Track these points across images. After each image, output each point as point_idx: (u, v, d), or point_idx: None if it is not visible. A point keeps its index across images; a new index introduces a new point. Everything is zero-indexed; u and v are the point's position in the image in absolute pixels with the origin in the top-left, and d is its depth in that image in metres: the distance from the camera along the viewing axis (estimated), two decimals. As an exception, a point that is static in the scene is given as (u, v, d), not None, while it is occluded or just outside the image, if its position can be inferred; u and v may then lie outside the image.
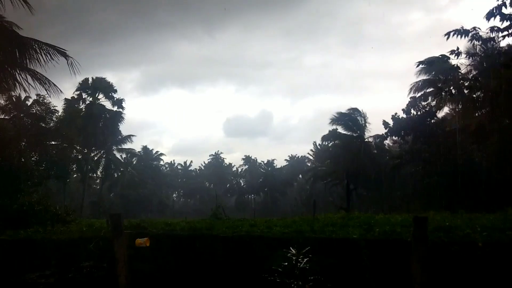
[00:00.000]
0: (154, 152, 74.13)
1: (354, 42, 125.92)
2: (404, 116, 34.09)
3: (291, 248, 5.76)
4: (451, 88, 32.96)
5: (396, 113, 35.22)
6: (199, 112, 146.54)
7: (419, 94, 34.09)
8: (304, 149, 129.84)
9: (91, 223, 13.39)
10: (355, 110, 41.44)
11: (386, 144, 41.70)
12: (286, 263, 5.40)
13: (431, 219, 8.41)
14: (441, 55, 31.26)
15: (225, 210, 22.07)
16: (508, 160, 26.17)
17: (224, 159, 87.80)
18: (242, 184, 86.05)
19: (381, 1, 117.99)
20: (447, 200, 24.74)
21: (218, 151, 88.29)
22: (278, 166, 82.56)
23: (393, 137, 36.47)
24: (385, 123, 35.15)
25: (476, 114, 30.38)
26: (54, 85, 14.11)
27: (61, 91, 14.33)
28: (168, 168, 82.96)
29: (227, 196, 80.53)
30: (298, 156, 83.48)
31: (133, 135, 50.24)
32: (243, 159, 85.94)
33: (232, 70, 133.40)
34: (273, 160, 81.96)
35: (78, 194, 45.22)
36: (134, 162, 64.93)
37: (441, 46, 33.83)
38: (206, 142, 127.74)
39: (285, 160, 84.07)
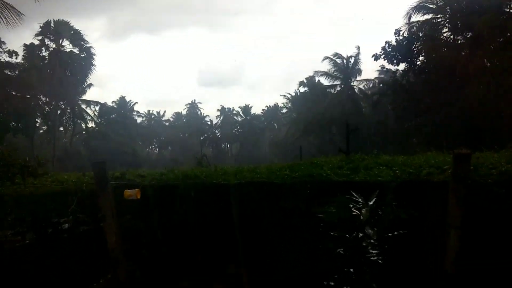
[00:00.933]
0: (128, 102, 70.73)
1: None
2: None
3: (352, 192, 4.69)
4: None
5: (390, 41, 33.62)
6: (170, 62, 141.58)
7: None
8: (279, 99, 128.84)
9: (65, 177, 12.07)
10: (336, 55, 40.15)
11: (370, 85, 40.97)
12: (343, 213, 4.34)
13: (443, 159, 7.72)
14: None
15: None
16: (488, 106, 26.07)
17: (201, 109, 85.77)
18: (218, 134, 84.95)
19: None
20: (443, 141, 24.50)
21: (194, 100, 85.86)
22: (254, 114, 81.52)
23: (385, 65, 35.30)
24: (376, 55, 33.97)
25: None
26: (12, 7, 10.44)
27: (21, 14, 10.57)
28: (144, 119, 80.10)
29: (205, 147, 79.59)
30: (272, 105, 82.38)
31: (91, 84, 46.63)
32: (218, 110, 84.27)
33: (202, 16, 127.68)
34: (250, 106, 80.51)
35: (47, 148, 42.83)
36: (105, 114, 62.13)
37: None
38: (178, 92, 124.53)
39: (262, 110, 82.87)
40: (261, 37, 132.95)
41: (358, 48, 40.41)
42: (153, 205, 7.48)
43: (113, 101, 66.15)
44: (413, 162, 8.29)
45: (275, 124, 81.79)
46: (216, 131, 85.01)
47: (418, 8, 33.93)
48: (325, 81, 42.88)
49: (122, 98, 68.87)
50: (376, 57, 35.44)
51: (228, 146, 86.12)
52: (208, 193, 7.30)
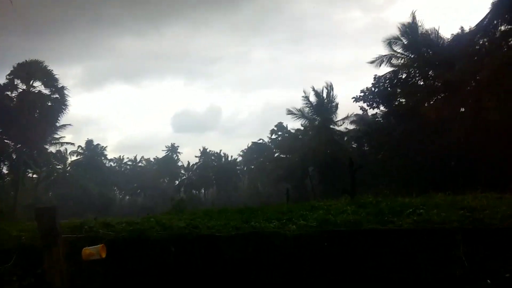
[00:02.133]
0: (98, 146, 67.79)
1: (299, 38, 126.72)
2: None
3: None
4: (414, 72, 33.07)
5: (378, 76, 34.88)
6: (146, 108, 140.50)
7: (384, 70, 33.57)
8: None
9: (23, 227, 9.88)
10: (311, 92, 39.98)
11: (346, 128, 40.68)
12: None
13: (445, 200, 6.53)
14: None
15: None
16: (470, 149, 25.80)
17: (179, 153, 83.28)
18: (194, 178, 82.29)
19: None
20: (426, 183, 23.54)
21: (172, 144, 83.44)
22: (230, 159, 79.93)
23: (366, 107, 35.44)
24: (357, 97, 34.28)
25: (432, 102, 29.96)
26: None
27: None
28: (115, 164, 76.75)
29: (179, 192, 76.52)
30: (247, 149, 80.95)
31: (68, 124, 43.87)
32: (199, 151, 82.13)
33: (179, 65, 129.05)
34: (222, 154, 79.06)
35: (10, 195, 39.24)
36: (75, 158, 58.94)
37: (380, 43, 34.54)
38: (153, 138, 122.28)
39: (238, 155, 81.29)
40: (237, 84, 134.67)
41: (330, 85, 40.48)
42: (123, 264, 5.66)
43: (79, 146, 62.76)
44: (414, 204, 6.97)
45: (252, 167, 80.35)
46: (191, 175, 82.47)
47: (389, 58, 34.57)
48: (296, 123, 42.50)
49: (89, 142, 65.68)
50: (356, 99, 35.78)
51: (203, 191, 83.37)
52: (196, 248, 5.58)
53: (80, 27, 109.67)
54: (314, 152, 37.48)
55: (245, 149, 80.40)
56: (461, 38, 28.30)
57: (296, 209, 9.97)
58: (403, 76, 33.75)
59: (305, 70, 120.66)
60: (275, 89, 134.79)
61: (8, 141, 37.09)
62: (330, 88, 40.96)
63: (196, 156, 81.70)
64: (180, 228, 6.55)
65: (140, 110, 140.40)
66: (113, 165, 76.50)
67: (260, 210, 10.74)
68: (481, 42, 24.84)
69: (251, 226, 6.32)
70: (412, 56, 33.32)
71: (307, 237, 5.50)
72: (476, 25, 25.86)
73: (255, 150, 76.45)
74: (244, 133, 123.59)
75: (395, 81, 34.18)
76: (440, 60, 28.98)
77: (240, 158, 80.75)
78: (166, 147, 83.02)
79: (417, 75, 32.40)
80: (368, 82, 35.89)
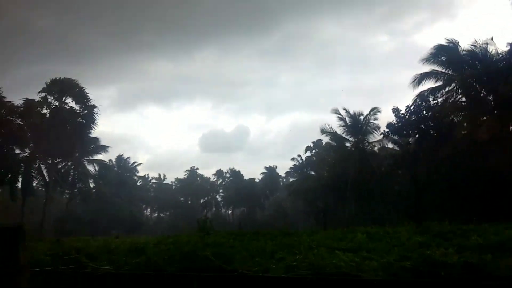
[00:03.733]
0: (130, 162, 67.08)
1: (327, 63, 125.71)
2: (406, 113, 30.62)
3: None
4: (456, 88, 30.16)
5: (397, 108, 31.52)
6: (175, 128, 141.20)
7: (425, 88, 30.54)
8: (281, 164, 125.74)
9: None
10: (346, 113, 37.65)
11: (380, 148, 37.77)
12: None
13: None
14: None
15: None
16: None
17: (201, 175, 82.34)
18: (219, 199, 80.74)
19: (350, 25, 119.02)
20: (473, 209, 20.70)
21: (194, 166, 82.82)
22: (256, 180, 77.82)
23: (394, 137, 32.51)
24: (389, 125, 31.43)
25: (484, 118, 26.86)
26: None
27: None
28: (142, 182, 76.18)
29: (204, 211, 74.85)
30: (274, 168, 78.51)
31: (107, 146, 43.96)
32: (214, 174, 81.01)
33: (209, 88, 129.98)
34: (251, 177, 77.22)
35: (41, 212, 38.53)
36: (106, 175, 58.43)
37: (408, 66, 31.89)
38: (181, 157, 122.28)
39: (261, 173, 78.90)
40: (264, 107, 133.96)
41: (372, 109, 37.75)
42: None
43: (113, 161, 62.25)
44: None
45: (277, 191, 77.85)
46: (217, 195, 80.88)
47: (426, 75, 31.83)
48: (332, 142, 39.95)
49: (123, 159, 65.13)
50: (384, 135, 33.22)
51: (229, 210, 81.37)
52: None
53: (116, 51, 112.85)
54: (345, 175, 34.94)
55: (273, 165, 78.29)
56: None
57: (350, 237, 7.91)
58: (441, 95, 30.68)
59: (332, 94, 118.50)
60: (302, 113, 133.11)
61: (38, 157, 36.61)
62: (373, 112, 38.22)
63: (214, 174, 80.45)
64: (205, 259, 4.73)
65: (169, 130, 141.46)
66: (139, 183, 75.79)
67: (296, 236, 8.72)
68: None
69: (309, 264, 4.37)
70: (451, 73, 30.54)
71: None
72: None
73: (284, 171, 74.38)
74: (271, 154, 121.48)
75: (429, 103, 31.26)
76: (490, 74, 26.19)
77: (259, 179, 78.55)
78: (190, 168, 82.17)
79: (460, 92, 29.48)
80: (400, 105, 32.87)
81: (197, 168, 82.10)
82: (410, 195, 29.12)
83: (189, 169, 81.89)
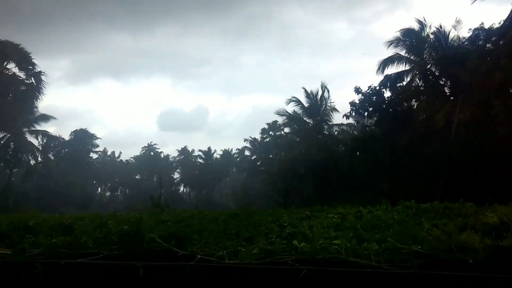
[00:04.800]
0: (87, 135, 62.28)
1: (288, 46, 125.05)
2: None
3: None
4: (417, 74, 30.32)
5: (359, 87, 31.14)
6: (132, 105, 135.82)
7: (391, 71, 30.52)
8: (240, 145, 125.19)
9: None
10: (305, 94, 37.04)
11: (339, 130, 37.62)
12: None
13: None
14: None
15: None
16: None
17: (158, 151, 79.31)
18: (175, 178, 78.55)
19: (312, 10, 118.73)
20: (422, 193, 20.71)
21: (151, 142, 79.57)
22: (214, 158, 76.20)
23: (357, 117, 32.25)
24: (352, 103, 31.05)
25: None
26: None
27: None
28: (97, 158, 71.62)
29: (161, 190, 72.39)
30: (232, 149, 77.27)
31: (51, 116, 40.08)
32: (178, 150, 78.60)
33: (168, 65, 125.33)
34: (211, 151, 75.23)
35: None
36: (55, 148, 54.55)
37: (366, 54, 31.93)
38: (138, 135, 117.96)
39: (218, 154, 77.43)
40: (224, 87, 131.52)
41: (324, 87, 37.41)
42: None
43: (71, 133, 57.75)
44: None
45: (234, 169, 76.86)
46: (174, 174, 78.62)
47: (390, 60, 31.80)
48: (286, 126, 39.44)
49: (79, 132, 60.58)
50: (347, 116, 32.91)
51: (186, 189, 79.56)
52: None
53: (71, 20, 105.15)
54: (304, 156, 34.54)
55: (229, 148, 76.97)
56: (476, 38, 25.73)
57: (322, 216, 6.87)
58: (405, 80, 30.89)
59: (293, 77, 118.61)
60: (263, 94, 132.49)
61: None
62: (324, 89, 38.05)
63: (177, 150, 78.16)
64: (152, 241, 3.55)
65: (126, 106, 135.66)
66: (95, 157, 71.25)
67: (260, 215, 7.61)
68: (500, 43, 22.14)
69: (290, 247, 3.28)
70: (415, 59, 30.69)
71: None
72: (498, 27, 23.22)
73: (241, 151, 73.23)
74: (231, 135, 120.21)
75: (393, 86, 31.46)
76: (449, 60, 26.33)
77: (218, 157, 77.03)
78: (148, 144, 79.04)
79: (420, 78, 29.67)
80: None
81: (155, 144, 78.87)
82: (370, 177, 29.16)
83: (147, 145, 78.70)
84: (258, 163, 55.57)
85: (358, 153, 31.45)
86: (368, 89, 30.93)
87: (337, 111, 36.37)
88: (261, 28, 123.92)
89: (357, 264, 2.94)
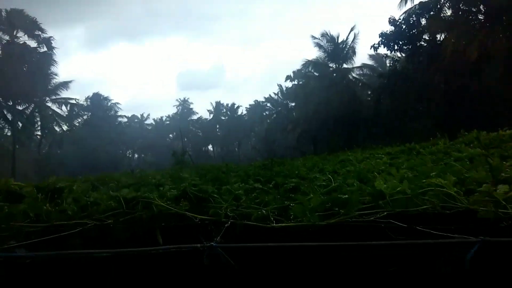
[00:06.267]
0: (107, 102, 62.40)
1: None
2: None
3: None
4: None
5: (394, 17, 28.77)
6: (150, 67, 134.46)
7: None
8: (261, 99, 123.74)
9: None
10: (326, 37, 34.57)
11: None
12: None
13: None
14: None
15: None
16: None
17: (191, 107, 78.52)
18: (202, 134, 78.23)
19: None
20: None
21: (185, 97, 78.90)
22: (238, 114, 75.15)
23: (386, 50, 30.06)
24: (383, 34, 28.80)
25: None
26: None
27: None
28: (126, 120, 71.95)
29: (186, 149, 72.68)
30: (256, 102, 75.49)
31: (69, 81, 39.17)
32: (211, 106, 77.64)
33: (182, 23, 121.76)
34: (236, 106, 74.08)
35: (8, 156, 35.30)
36: (78, 115, 54.72)
37: None
38: (159, 97, 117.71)
39: (246, 109, 75.97)
40: (240, 41, 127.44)
41: (352, 29, 34.83)
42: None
43: (87, 98, 57.75)
44: None
45: (258, 123, 75.69)
46: (199, 131, 78.28)
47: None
48: (313, 72, 37.33)
49: (96, 95, 60.40)
50: (375, 48, 30.39)
51: (211, 147, 79.56)
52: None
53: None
54: (328, 102, 32.86)
55: (252, 103, 75.37)
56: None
57: (373, 159, 5.71)
58: (427, 9, 28.02)
59: (310, 24, 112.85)
60: (280, 45, 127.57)
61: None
62: (351, 31, 35.34)
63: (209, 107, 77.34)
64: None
65: (144, 69, 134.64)
66: (123, 121, 71.67)
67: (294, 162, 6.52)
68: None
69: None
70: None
71: None
72: None
73: (262, 105, 71.60)
74: (250, 90, 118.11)
75: (420, 17, 28.68)
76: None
77: (245, 113, 75.80)
78: (177, 100, 78.54)
79: (450, 5, 26.78)
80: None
81: (189, 100, 77.74)
82: (401, 116, 27.40)
83: (178, 101, 78.10)
84: (283, 114, 54.24)
85: (384, 92, 29.49)
86: (400, 19, 28.43)
87: (355, 54, 34.30)
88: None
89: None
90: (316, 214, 2.05)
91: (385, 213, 1.95)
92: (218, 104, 75.24)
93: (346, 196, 2.10)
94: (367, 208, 2.02)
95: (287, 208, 2.23)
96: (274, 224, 2.01)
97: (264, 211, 2.10)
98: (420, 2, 28.12)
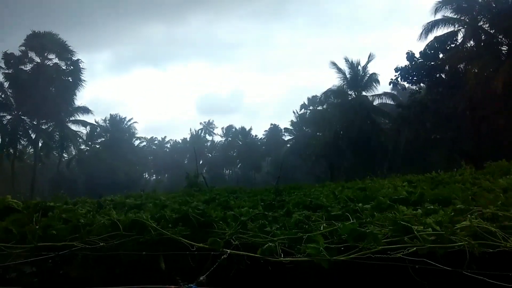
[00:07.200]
0: (125, 123, 63.25)
1: (321, 21, 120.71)
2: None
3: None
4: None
5: (411, 51, 28.61)
6: (171, 91, 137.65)
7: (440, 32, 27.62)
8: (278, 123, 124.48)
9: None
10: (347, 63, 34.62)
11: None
12: None
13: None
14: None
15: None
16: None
17: (213, 130, 79.32)
18: (217, 157, 78.20)
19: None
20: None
21: (208, 120, 79.70)
22: (252, 137, 75.20)
23: (404, 84, 29.61)
24: (399, 69, 28.51)
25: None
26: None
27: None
28: (140, 143, 72.82)
29: (202, 172, 72.47)
30: (272, 127, 75.43)
31: (87, 108, 39.71)
32: (222, 129, 78.29)
33: (203, 50, 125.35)
34: (250, 130, 74.29)
35: (27, 174, 35.96)
36: (98, 135, 55.61)
37: (403, 24, 28.56)
38: (178, 120, 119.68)
39: (257, 133, 76.20)
40: (259, 68, 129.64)
41: (371, 56, 34.70)
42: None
43: (104, 119, 58.76)
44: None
45: (274, 148, 75.37)
46: (215, 154, 78.38)
47: (434, 24, 28.57)
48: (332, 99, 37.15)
49: (117, 118, 61.35)
50: (394, 84, 30.08)
51: (227, 170, 79.31)
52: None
53: (109, 14, 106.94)
54: (346, 129, 32.37)
55: (269, 127, 75.41)
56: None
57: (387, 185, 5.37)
58: (457, 41, 27.60)
59: (327, 53, 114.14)
60: (298, 72, 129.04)
61: (24, 118, 33.60)
62: (370, 58, 35.24)
63: (221, 128, 77.94)
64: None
65: (165, 93, 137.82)
66: (141, 144, 72.52)
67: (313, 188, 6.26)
68: None
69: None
70: (464, 18, 27.25)
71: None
72: None
73: (278, 130, 71.51)
74: (268, 115, 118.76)
75: (443, 48, 28.27)
76: (506, 16, 23.05)
77: (263, 137, 75.83)
78: (201, 123, 79.52)
79: (471, 37, 26.37)
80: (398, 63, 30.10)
81: (212, 121, 78.79)
82: (418, 146, 26.69)
83: (201, 124, 79.09)
84: (300, 139, 53.90)
85: (404, 122, 28.92)
86: (418, 55, 28.14)
87: (378, 82, 33.92)
88: (293, 5, 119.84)
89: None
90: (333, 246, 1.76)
91: (415, 248, 1.65)
92: (234, 128, 75.76)
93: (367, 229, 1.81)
94: (391, 243, 1.73)
95: (299, 240, 1.95)
96: (282, 258, 1.72)
97: (271, 244, 1.81)
98: (436, 37, 27.86)
